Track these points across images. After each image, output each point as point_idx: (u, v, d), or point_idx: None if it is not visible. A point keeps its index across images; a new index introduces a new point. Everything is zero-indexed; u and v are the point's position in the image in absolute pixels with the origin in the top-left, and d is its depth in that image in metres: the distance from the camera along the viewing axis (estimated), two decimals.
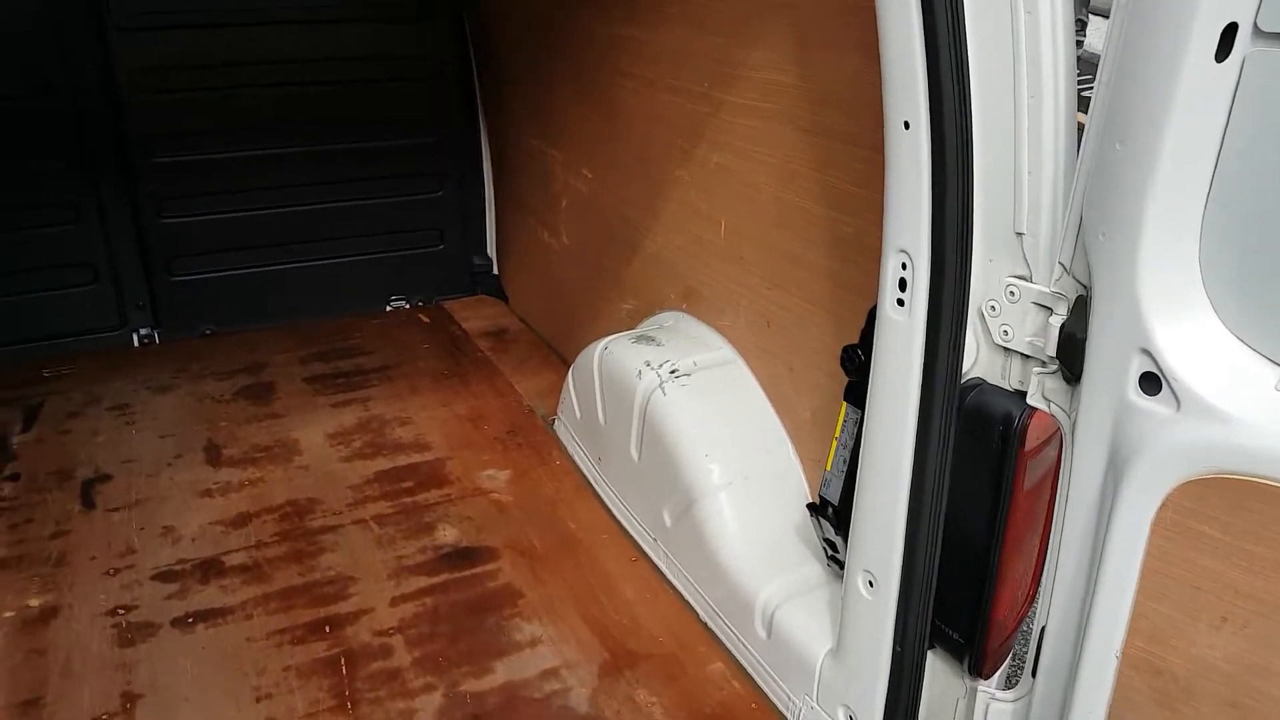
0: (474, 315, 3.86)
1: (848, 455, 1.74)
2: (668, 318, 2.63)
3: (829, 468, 1.80)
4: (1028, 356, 1.37)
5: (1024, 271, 1.34)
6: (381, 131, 3.68)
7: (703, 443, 2.16)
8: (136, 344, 3.50)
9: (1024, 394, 1.38)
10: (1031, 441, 1.37)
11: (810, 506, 1.89)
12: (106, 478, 2.65)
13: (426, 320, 3.83)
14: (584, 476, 2.69)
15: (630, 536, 2.43)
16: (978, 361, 1.43)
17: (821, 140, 1.90)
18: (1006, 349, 1.39)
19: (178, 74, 3.31)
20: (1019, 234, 1.33)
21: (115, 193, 3.34)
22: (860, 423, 1.62)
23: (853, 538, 1.67)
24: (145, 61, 3.26)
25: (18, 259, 3.26)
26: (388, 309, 3.89)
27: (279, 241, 3.67)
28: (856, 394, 1.68)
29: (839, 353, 1.71)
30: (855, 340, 1.68)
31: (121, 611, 2.14)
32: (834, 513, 1.81)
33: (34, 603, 2.16)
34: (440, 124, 3.78)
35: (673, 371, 2.30)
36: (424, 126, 3.75)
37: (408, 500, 2.60)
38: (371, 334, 3.67)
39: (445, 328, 3.76)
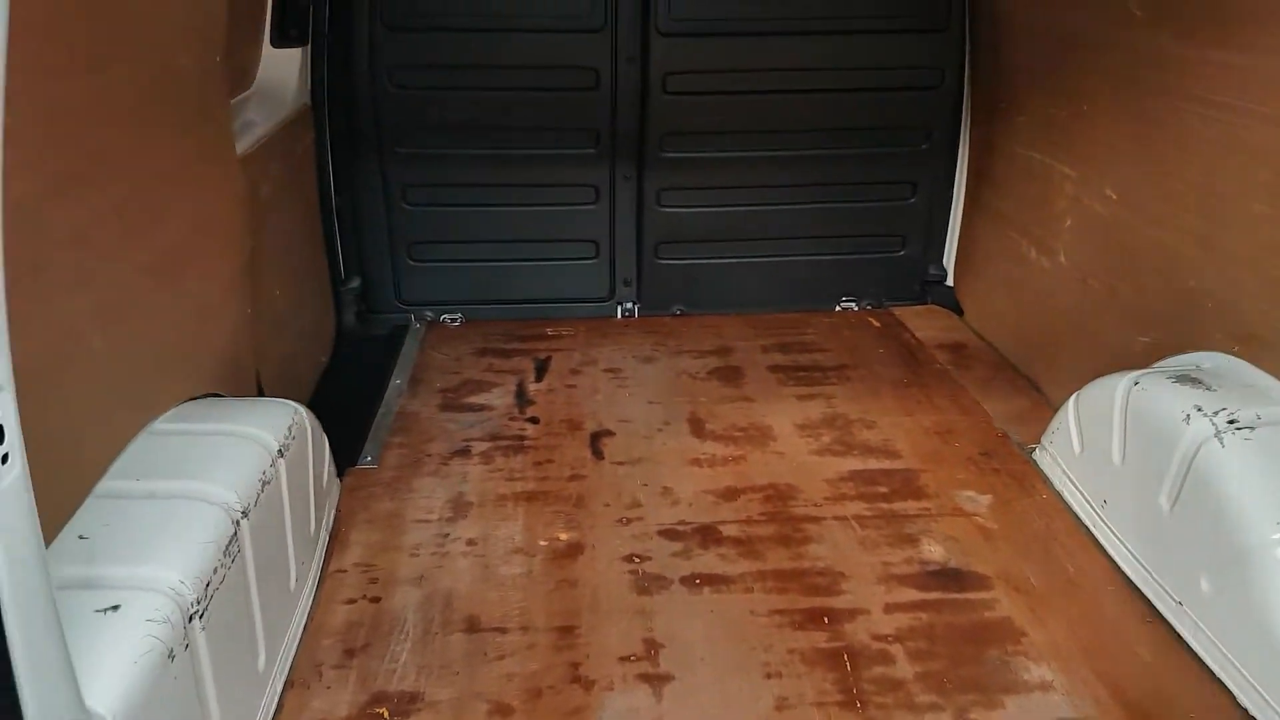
0: (926, 325, 3.77)
1: None
2: (1204, 358, 2.36)
3: None
4: None
5: None
6: (870, 139, 3.71)
7: (1273, 508, 1.89)
8: (619, 316, 3.83)
9: None
10: None
11: None
12: (609, 433, 2.92)
13: (877, 324, 3.80)
14: (1077, 516, 2.49)
15: (1141, 593, 2.21)
16: None
17: None
18: None
19: (700, 77, 3.56)
20: None
21: (627, 181, 3.67)
22: None
23: None
24: (676, 65, 3.53)
25: (539, 230, 3.71)
26: (837, 308, 3.92)
27: (750, 237, 3.84)
28: None
29: None
30: None
31: (637, 560, 2.33)
32: None
33: (563, 536, 2.42)
34: (928, 133, 3.73)
35: (1231, 421, 2.04)
36: (912, 134, 3.73)
37: (884, 506, 2.58)
38: (824, 331, 3.72)
39: (897, 335, 3.70)
